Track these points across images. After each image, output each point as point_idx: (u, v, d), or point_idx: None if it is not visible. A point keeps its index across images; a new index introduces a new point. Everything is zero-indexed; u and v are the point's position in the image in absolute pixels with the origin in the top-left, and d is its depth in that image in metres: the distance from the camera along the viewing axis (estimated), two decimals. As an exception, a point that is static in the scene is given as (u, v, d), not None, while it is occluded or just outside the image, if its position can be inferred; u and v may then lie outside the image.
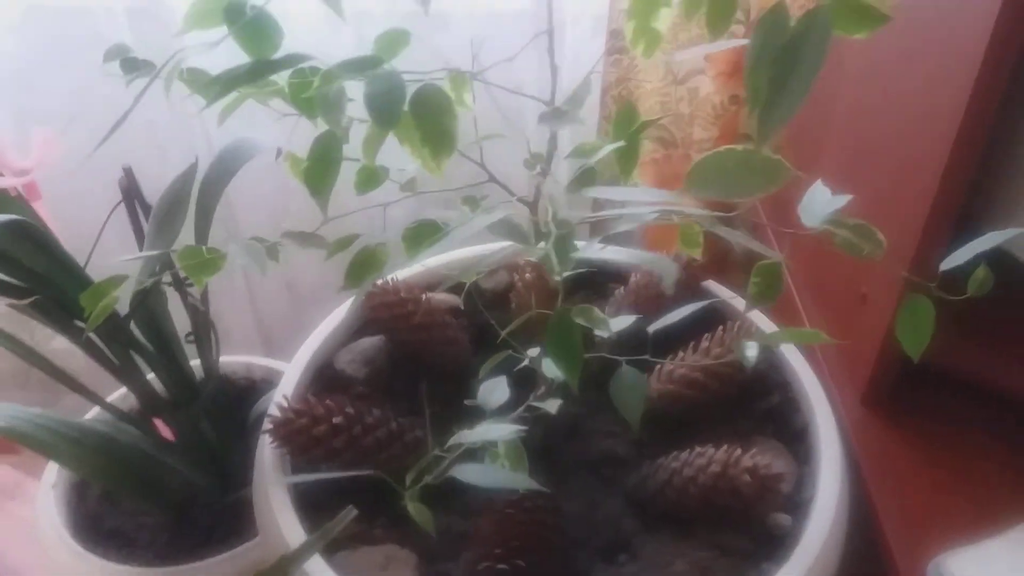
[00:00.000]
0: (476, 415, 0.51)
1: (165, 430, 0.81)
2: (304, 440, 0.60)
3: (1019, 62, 0.51)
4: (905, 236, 0.57)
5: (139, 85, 0.46)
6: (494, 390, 0.49)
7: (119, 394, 0.89)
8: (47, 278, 0.58)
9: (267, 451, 0.63)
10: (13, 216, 0.54)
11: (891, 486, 0.61)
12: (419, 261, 0.77)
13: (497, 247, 0.85)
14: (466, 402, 0.51)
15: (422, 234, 0.49)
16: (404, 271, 0.79)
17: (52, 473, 0.83)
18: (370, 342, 0.75)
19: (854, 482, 0.62)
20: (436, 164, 0.38)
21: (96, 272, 0.61)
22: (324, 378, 0.73)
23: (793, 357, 0.69)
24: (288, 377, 0.70)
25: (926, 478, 0.60)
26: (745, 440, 0.65)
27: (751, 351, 0.47)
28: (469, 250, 0.82)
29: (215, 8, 0.37)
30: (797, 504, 0.60)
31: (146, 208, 0.63)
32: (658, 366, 0.67)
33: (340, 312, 0.77)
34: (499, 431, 0.43)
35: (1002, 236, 0.42)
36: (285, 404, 0.62)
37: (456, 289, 0.77)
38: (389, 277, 0.73)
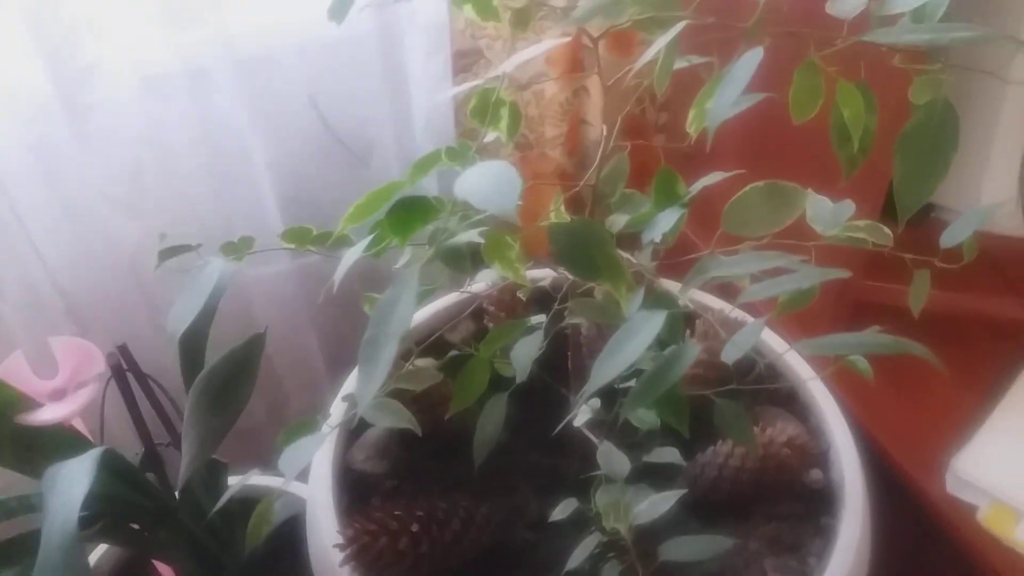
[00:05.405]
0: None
1: None
2: (391, 557, 0.59)
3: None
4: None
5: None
6: (611, 458, 0.52)
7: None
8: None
9: (344, 578, 0.61)
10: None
11: (881, 414, 0.71)
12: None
13: (452, 299, 0.86)
14: (593, 475, 0.52)
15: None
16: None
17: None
18: (376, 433, 0.74)
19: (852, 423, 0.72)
20: (625, 295, 0.38)
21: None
22: (348, 483, 0.71)
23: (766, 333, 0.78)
24: (320, 495, 0.67)
25: (905, 397, 0.71)
26: (758, 415, 0.72)
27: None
28: (425, 310, 0.83)
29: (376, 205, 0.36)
30: (816, 458, 0.69)
31: (141, 378, 0.57)
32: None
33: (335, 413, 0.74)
34: (669, 500, 0.46)
35: (990, 211, 0.51)
36: (352, 528, 0.60)
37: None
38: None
